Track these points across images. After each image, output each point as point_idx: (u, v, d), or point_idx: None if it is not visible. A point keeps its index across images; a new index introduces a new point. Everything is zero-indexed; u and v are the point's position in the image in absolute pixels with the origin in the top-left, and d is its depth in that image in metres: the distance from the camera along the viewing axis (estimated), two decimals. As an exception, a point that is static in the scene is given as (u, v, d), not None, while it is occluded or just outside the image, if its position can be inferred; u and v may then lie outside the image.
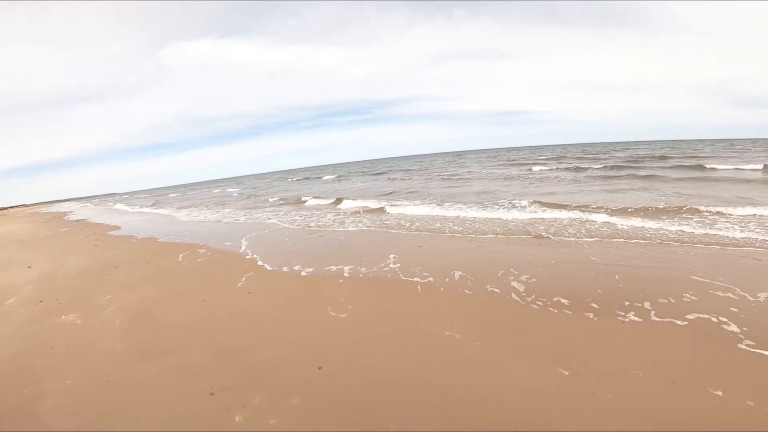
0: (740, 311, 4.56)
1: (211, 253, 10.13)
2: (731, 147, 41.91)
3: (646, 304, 4.93)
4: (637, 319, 4.58)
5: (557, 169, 28.03)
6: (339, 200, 19.75)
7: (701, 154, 31.66)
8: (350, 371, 3.92)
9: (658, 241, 7.93)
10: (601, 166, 26.57)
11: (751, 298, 4.87)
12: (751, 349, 3.72)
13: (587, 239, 8.46)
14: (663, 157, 30.85)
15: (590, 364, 3.73)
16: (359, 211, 15.85)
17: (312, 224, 13.65)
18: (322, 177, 50.30)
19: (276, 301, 6.10)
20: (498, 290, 5.80)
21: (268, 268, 8.08)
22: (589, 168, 26.23)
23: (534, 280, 6.14)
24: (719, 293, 5.11)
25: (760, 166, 19.41)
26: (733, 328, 4.20)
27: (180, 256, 10.06)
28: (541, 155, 51.47)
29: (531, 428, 2.93)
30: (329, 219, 14.54)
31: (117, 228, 18.46)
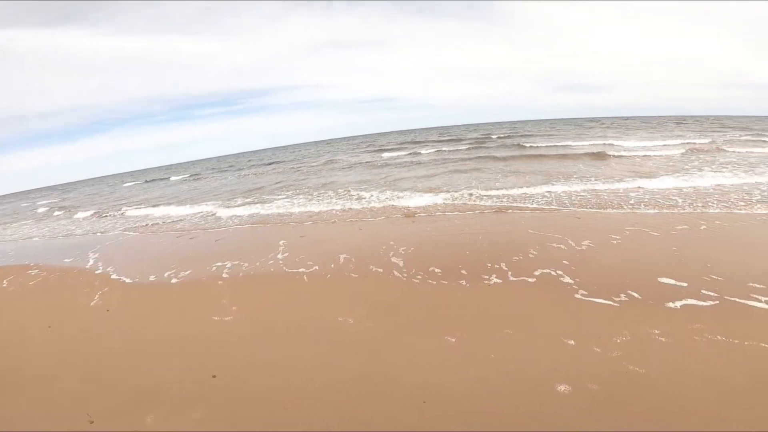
0: (570, 263, 5.43)
1: (47, 272, 7.95)
2: (552, 126, 50.19)
3: (503, 265, 5.53)
4: (498, 280, 5.08)
5: (410, 154, 29.21)
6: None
7: (529, 133, 37.22)
8: (248, 375, 3.56)
9: (503, 209, 9.05)
10: (452, 148, 28.46)
11: (577, 248, 5.90)
12: (585, 298, 4.43)
13: (449, 213, 9.17)
14: (503, 137, 34.92)
15: (470, 328, 3.97)
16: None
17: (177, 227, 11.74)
18: (169, 178, 38.90)
19: (144, 315, 5.23)
20: (381, 269, 5.86)
21: (127, 281, 6.80)
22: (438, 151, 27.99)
23: (411, 254, 6.40)
24: (554, 245, 6.12)
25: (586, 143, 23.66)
26: (568, 280, 4.97)
27: (4, 281, 7.60)
28: (395, 139, 52.67)
29: (435, 398, 2.95)
30: (192, 222, 12.64)
31: None
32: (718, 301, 4.01)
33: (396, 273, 5.65)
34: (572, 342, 3.56)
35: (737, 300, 3.99)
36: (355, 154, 33.55)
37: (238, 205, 13.93)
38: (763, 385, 2.74)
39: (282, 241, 8.03)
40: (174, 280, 6.42)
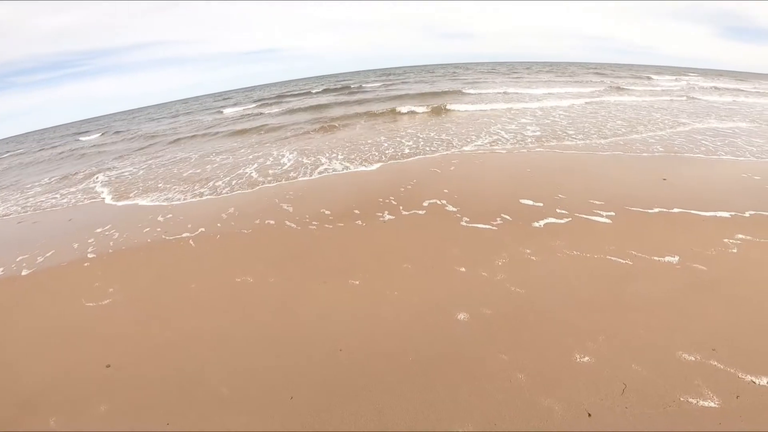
0: (450, 192, 5.85)
1: None
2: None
3: (392, 200, 5.68)
4: (391, 216, 5.22)
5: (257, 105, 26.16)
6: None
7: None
8: (144, 359, 3.16)
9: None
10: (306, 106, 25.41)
11: (454, 181, 6.33)
12: (469, 225, 4.85)
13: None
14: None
15: (372, 268, 4.05)
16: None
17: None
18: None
19: (4, 317, 4.13)
20: (273, 221, 5.48)
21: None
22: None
23: (299, 201, 6.15)
24: (437, 173, 6.41)
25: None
26: (452, 208, 5.36)
27: None
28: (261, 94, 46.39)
29: (350, 345, 2.98)
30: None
31: None
32: (570, 219, 4.76)
33: (289, 223, 5.38)
34: (463, 269, 3.90)
35: (584, 216, 4.80)
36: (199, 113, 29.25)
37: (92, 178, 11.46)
38: (605, 291, 3.41)
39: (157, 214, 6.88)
40: (26, 272, 5.05)
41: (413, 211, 5.32)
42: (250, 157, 10.39)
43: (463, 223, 4.89)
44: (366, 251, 4.42)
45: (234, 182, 7.96)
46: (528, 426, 2.23)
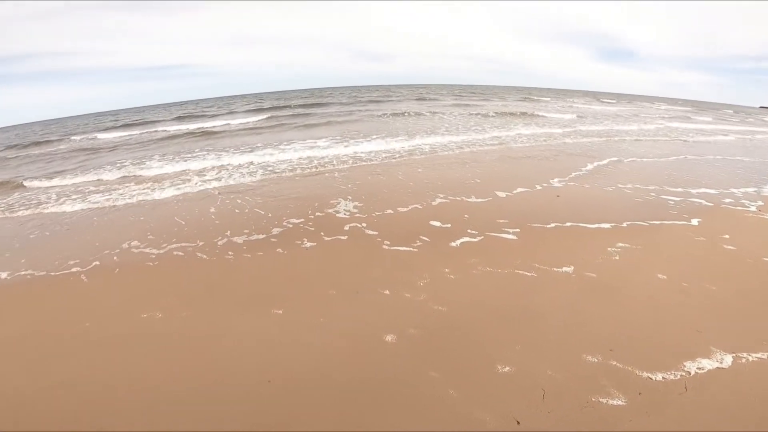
0: (365, 214, 5.95)
1: None
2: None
3: (311, 227, 5.60)
4: (312, 243, 5.11)
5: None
6: None
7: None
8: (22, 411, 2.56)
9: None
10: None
11: (369, 202, 6.45)
12: (391, 248, 4.94)
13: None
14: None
15: (295, 296, 3.92)
16: None
17: None
18: None
19: None
20: (181, 253, 5.02)
21: None
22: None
23: (207, 227, 5.83)
24: (350, 196, 6.55)
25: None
26: (372, 232, 5.43)
27: None
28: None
29: (279, 375, 2.81)
30: None
31: None
32: (483, 237, 5.10)
33: (199, 254, 4.98)
34: (387, 292, 3.94)
35: (494, 234, 5.18)
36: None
37: None
38: (516, 302, 3.69)
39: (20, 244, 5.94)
40: None
41: (335, 237, 5.28)
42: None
43: (385, 247, 4.96)
44: (288, 280, 4.27)
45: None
46: (462, 441, 2.29)
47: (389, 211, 6.16)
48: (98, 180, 9.84)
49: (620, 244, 4.82)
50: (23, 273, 4.75)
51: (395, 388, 2.72)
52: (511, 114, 22.47)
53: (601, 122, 20.22)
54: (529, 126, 17.25)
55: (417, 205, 6.37)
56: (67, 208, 7.51)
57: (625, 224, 5.47)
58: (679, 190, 7.36)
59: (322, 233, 5.38)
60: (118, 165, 11.49)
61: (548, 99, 40.69)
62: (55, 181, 10.07)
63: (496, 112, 22.73)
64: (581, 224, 5.47)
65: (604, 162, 9.82)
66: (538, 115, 22.31)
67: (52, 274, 4.71)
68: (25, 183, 10.09)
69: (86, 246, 5.48)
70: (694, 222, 5.65)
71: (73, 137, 21.12)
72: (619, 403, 2.52)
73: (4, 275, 4.73)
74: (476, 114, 22.10)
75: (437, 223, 5.57)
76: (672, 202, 6.55)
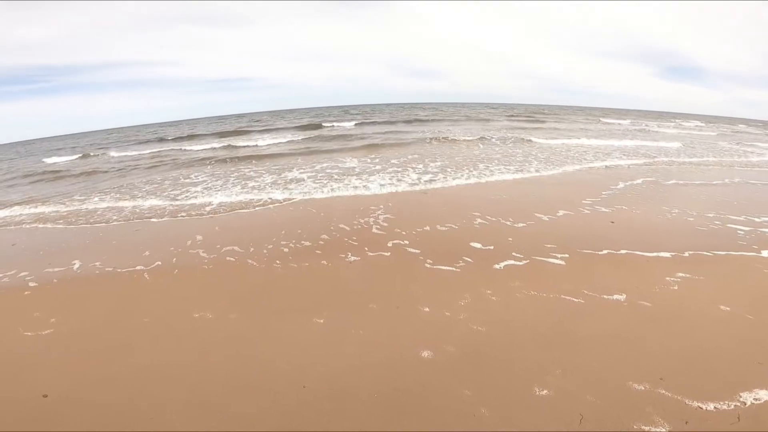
0: (406, 231, 6.03)
1: None
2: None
3: (355, 241, 5.79)
4: (356, 258, 5.28)
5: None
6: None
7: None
8: (84, 392, 3.01)
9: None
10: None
11: (415, 224, 6.52)
12: (432, 267, 4.97)
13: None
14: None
15: (336, 307, 4.05)
16: None
17: None
18: None
19: None
20: (234, 258, 5.41)
21: None
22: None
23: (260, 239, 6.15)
24: (391, 217, 6.72)
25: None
26: (414, 250, 5.49)
27: None
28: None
29: (314, 381, 2.93)
30: None
31: None
32: (528, 260, 4.99)
33: (250, 261, 5.33)
34: (427, 309, 3.96)
35: (541, 258, 5.04)
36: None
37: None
38: (560, 328, 3.56)
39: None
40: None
41: (378, 253, 5.41)
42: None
43: (427, 265, 5.00)
44: (331, 290, 4.43)
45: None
46: (491, 460, 2.25)
47: (426, 228, 6.23)
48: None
49: (680, 274, 4.50)
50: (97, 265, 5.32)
51: (427, 401, 2.73)
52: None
53: (724, 153, 16.65)
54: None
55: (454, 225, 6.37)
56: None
57: (686, 254, 5.10)
58: (743, 218, 6.73)
59: (366, 248, 5.54)
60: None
61: (627, 122, 36.94)
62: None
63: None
64: (637, 252, 5.18)
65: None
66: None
67: (119, 270, 5.28)
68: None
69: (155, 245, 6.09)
70: (765, 254, 5.15)
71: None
72: (662, 431, 2.35)
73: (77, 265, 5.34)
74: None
75: (477, 245, 5.51)
76: (741, 233, 6.01)
